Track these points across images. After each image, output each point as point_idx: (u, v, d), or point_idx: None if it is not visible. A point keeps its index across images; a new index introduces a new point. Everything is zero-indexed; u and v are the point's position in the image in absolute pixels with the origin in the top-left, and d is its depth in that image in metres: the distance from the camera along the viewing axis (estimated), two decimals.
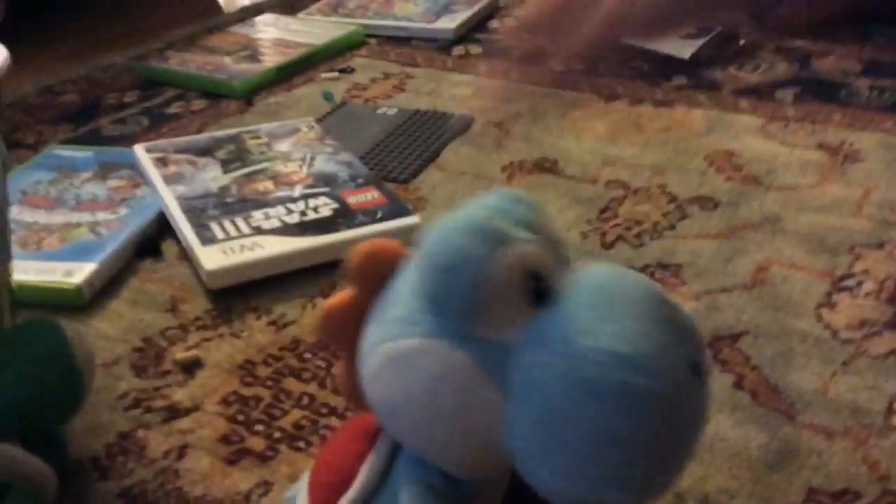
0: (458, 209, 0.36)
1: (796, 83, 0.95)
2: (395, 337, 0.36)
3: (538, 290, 0.35)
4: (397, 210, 0.73)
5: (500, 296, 0.34)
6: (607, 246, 0.70)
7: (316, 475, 0.42)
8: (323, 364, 0.58)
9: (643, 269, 0.66)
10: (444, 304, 0.34)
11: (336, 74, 1.08)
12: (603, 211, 0.75)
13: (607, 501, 0.34)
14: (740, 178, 0.78)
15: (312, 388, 0.56)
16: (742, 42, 1.05)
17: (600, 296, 0.35)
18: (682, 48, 1.02)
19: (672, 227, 0.72)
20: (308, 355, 0.59)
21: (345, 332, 0.39)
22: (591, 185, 0.79)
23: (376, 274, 0.38)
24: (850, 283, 0.62)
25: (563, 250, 0.37)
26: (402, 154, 0.86)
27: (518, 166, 0.83)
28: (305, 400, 0.55)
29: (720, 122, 0.88)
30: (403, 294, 0.37)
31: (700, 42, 1.02)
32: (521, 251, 0.34)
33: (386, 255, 0.39)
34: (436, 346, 0.35)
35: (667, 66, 1.01)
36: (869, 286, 0.62)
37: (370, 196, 0.74)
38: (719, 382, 0.54)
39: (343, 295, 0.39)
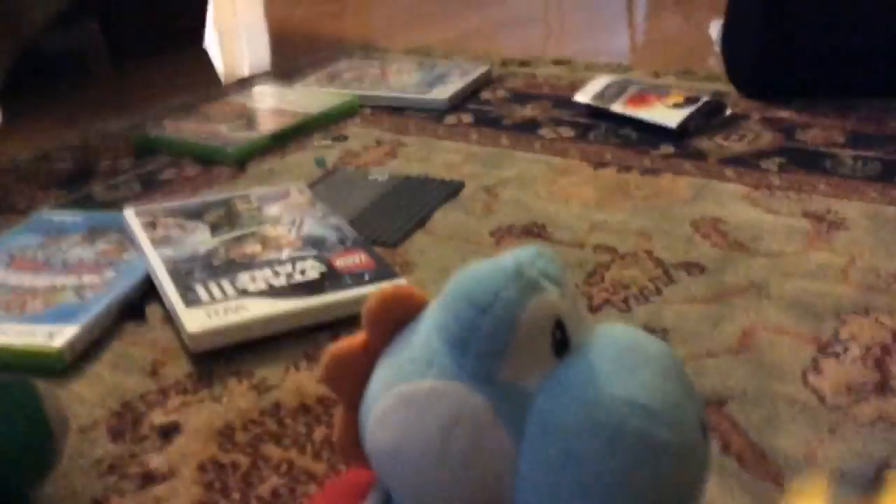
0: (483, 262, 0.36)
1: (781, 153, 0.96)
2: (409, 377, 0.36)
3: (561, 340, 0.35)
4: (385, 273, 0.73)
5: (526, 341, 0.34)
6: (594, 310, 0.70)
7: None
8: (304, 430, 0.57)
9: None
10: (472, 344, 0.34)
11: (329, 142, 1.09)
12: (590, 275, 0.75)
13: None
14: (726, 245, 0.78)
15: (292, 454, 0.55)
16: (728, 112, 1.07)
17: (619, 350, 0.35)
18: (671, 117, 1.04)
19: (659, 291, 0.72)
20: (289, 420, 0.58)
21: (350, 378, 0.38)
22: (579, 250, 0.79)
23: (392, 319, 0.38)
24: (836, 348, 0.62)
25: (580, 307, 0.38)
26: (392, 218, 0.86)
27: (506, 231, 0.84)
28: (284, 467, 0.54)
29: (706, 189, 0.89)
30: (422, 336, 0.37)
31: (687, 111, 1.04)
32: (551, 300, 0.35)
33: (404, 300, 0.38)
34: (453, 388, 0.34)
35: (654, 136, 1.03)
36: (855, 351, 0.61)
37: (358, 259, 0.74)
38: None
39: (353, 339, 0.39)
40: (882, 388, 0.58)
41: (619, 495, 0.32)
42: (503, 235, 0.83)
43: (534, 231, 0.83)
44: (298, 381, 0.62)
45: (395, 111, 1.18)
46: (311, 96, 1.22)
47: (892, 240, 0.76)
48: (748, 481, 0.51)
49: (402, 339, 0.37)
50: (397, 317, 0.38)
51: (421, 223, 0.86)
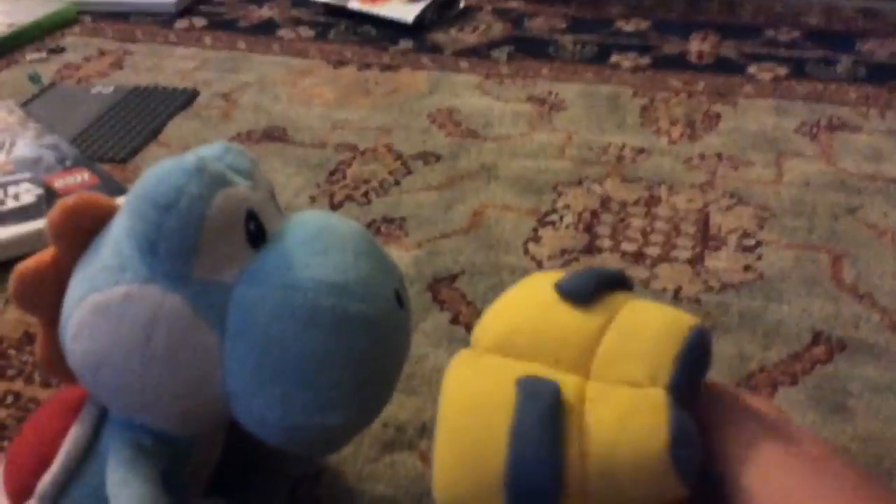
0: (166, 160, 0.34)
1: (509, 42, 1.00)
2: (103, 286, 0.34)
3: (255, 231, 0.35)
4: (112, 190, 0.69)
5: (217, 236, 0.34)
6: (336, 206, 0.71)
7: (14, 457, 0.39)
8: (29, 359, 0.54)
9: (370, 225, 0.68)
10: (160, 244, 0.33)
11: (45, 55, 0.99)
12: (332, 174, 0.75)
13: (319, 425, 0.35)
14: (459, 133, 0.81)
15: (17, 385, 0.52)
16: (462, 5, 1.10)
17: (312, 234, 0.36)
18: (406, 12, 1.05)
19: (397, 183, 0.74)
20: (12, 352, 0.55)
21: (42, 295, 0.36)
22: (321, 150, 0.79)
23: (80, 230, 0.36)
24: (553, 217, 0.68)
25: (276, 200, 0.38)
26: (120, 133, 0.81)
27: (246, 136, 0.82)
28: (10, 398, 0.51)
29: (442, 81, 0.92)
30: (113, 242, 0.35)
31: (422, 5, 1.05)
32: (240, 192, 0.35)
33: (91, 209, 0.36)
34: (148, 291, 0.34)
35: (393, 32, 1.03)
36: (569, 219, 0.67)
37: (80, 178, 0.70)
38: (438, 320, 0.57)
39: (41, 255, 0.37)
40: (590, 248, 0.64)
41: (320, 371, 0.34)
42: (242, 142, 0.81)
43: (274, 135, 0.82)
44: (20, 311, 0.58)
45: (119, 17, 1.10)
46: (19, 4, 1.10)
47: (604, 116, 0.83)
48: None
49: (92, 248, 0.36)
50: (85, 226, 0.36)
51: (152, 135, 0.81)
